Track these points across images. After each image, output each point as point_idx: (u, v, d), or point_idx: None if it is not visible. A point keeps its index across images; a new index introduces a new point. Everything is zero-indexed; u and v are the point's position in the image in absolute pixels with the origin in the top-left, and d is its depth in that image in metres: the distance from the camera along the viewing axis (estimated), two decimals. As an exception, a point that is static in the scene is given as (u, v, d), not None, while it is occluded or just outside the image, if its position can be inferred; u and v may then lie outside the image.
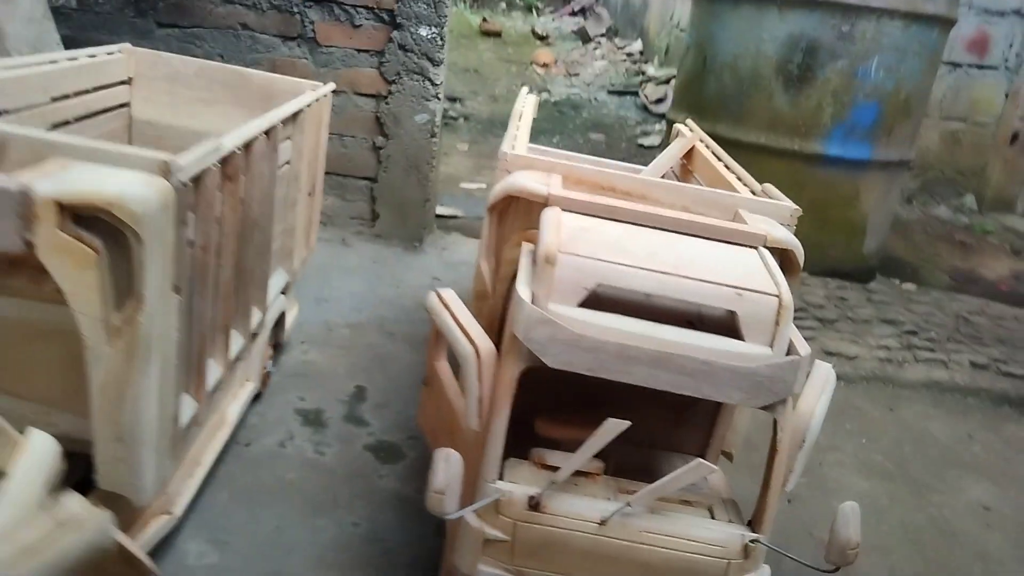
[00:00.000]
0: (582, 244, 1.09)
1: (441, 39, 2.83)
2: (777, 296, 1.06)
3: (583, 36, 8.49)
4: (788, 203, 1.38)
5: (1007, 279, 4.01)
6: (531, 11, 9.66)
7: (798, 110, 3.34)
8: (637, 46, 7.63)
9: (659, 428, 1.38)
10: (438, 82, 2.88)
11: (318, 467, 1.64)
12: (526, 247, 1.25)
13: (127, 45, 1.80)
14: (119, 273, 0.96)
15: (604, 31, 8.49)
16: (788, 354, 1.05)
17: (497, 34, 8.28)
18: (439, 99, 2.92)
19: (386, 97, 2.88)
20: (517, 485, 1.08)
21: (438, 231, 3.23)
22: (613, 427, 1.05)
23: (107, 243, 0.93)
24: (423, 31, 2.80)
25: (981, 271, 4.06)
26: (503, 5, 9.53)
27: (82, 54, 1.65)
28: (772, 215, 1.35)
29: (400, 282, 2.68)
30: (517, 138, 1.53)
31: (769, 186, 1.52)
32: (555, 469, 1.13)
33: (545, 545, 1.07)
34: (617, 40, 8.19)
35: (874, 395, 2.43)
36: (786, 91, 3.35)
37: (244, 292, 1.43)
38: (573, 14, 9.41)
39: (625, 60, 7.55)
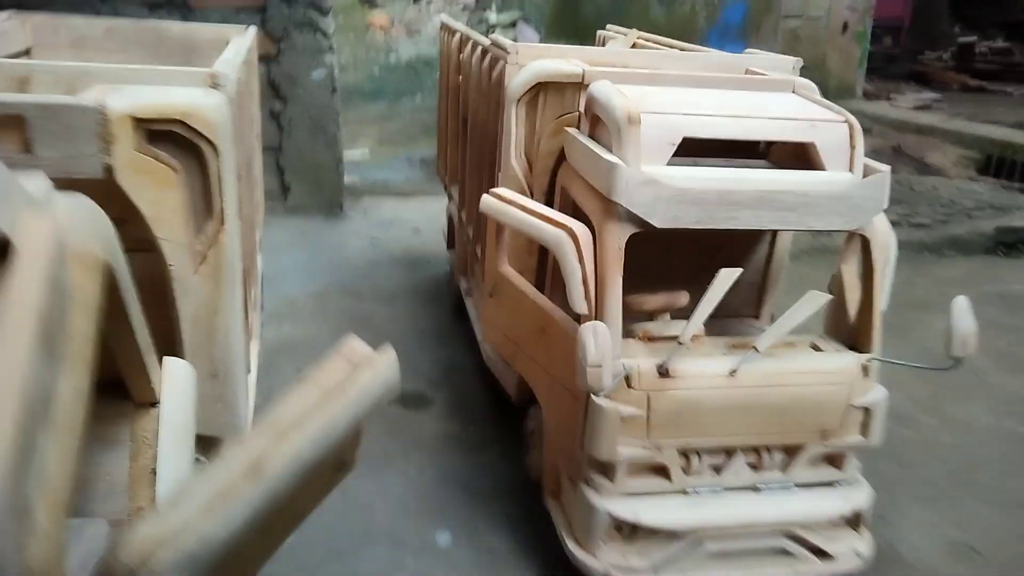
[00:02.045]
0: (654, 104, 1.06)
1: (324, -18, 2.65)
2: (845, 121, 1.08)
3: (413, -5, 8.30)
4: (788, 56, 1.41)
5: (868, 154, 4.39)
6: (349, -20, 9.31)
7: (674, 18, 3.46)
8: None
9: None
10: (329, 32, 2.70)
11: (351, 428, 1.52)
12: (570, 132, 1.20)
13: (15, 12, 1.54)
14: (196, 197, 0.85)
15: (433, -12, 8.35)
16: (867, 174, 1.08)
17: (325, 5, 7.93)
18: (332, 51, 2.74)
19: (276, 57, 2.67)
20: (642, 359, 1.04)
21: (349, 197, 3.07)
22: (727, 276, 1.04)
23: (183, 163, 0.82)
24: (304, -22, 2.61)
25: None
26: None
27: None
28: (777, 68, 1.38)
29: (340, 248, 2.53)
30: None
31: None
32: (662, 340, 1.11)
33: (680, 411, 1.04)
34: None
35: (817, 265, 2.58)
36: (660, 3, 3.44)
37: (251, 229, 1.30)
38: (396, -24, 9.16)
39: (464, 10, 7.46)
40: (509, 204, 1.13)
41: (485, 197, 1.16)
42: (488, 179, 1.46)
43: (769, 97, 1.19)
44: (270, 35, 2.63)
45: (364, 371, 0.54)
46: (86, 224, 0.54)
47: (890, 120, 5.02)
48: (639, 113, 1.01)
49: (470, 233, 1.70)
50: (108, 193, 0.81)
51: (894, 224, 2.91)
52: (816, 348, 1.14)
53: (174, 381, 0.73)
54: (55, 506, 0.44)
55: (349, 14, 8.53)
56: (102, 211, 0.56)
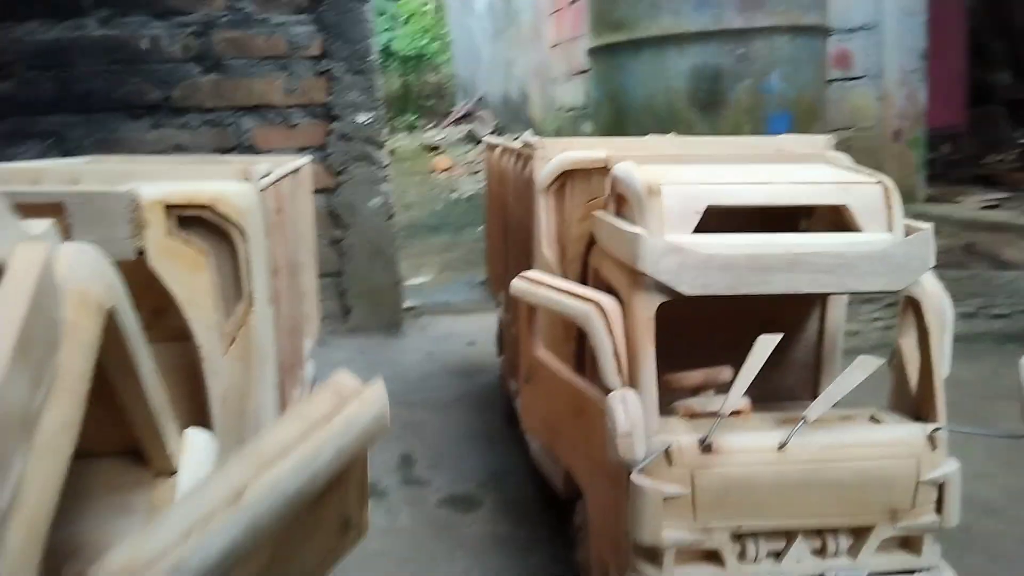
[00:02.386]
0: (676, 177, 1.07)
1: (380, 122, 2.84)
2: (879, 183, 1.06)
3: (473, 139, 8.80)
4: (820, 136, 1.42)
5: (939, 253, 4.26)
6: (413, 129, 9.97)
7: (718, 132, 3.53)
8: (530, 134, 7.95)
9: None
10: (384, 164, 2.87)
11: (398, 531, 1.48)
12: (599, 214, 1.21)
13: (96, 157, 1.70)
14: (226, 281, 0.88)
15: (492, 130, 8.85)
16: (909, 234, 1.04)
17: (390, 152, 8.49)
18: (388, 181, 2.90)
19: (336, 189, 2.84)
20: (683, 434, 0.99)
21: (408, 317, 3.14)
22: (766, 343, 1.00)
23: (212, 248, 0.86)
24: (360, 117, 2.81)
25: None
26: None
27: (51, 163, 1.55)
28: (809, 146, 1.38)
29: (396, 362, 2.56)
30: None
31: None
32: (705, 416, 1.05)
33: (727, 489, 0.97)
34: (507, 135, 8.51)
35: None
36: (704, 118, 3.54)
37: (297, 334, 1.32)
38: (457, 122, 9.79)
39: (521, 149, 7.82)
40: (539, 285, 1.13)
41: (515, 281, 1.16)
42: (527, 274, 1.47)
43: (799, 167, 1.18)
44: (330, 169, 2.81)
45: (351, 403, 0.52)
46: (87, 267, 0.55)
47: (959, 220, 4.89)
48: (659, 184, 1.02)
49: (515, 334, 1.69)
50: (146, 283, 0.86)
51: (971, 316, 2.80)
52: (876, 420, 1.07)
53: (194, 451, 0.73)
54: (30, 532, 0.43)
55: (415, 159, 9.08)
56: (107, 260, 0.58)
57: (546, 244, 1.30)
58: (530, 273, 1.17)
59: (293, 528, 0.62)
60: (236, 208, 0.86)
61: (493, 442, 1.86)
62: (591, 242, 1.25)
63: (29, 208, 0.79)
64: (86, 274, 0.56)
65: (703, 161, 1.21)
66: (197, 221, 0.86)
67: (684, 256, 0.98)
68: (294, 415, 0.51)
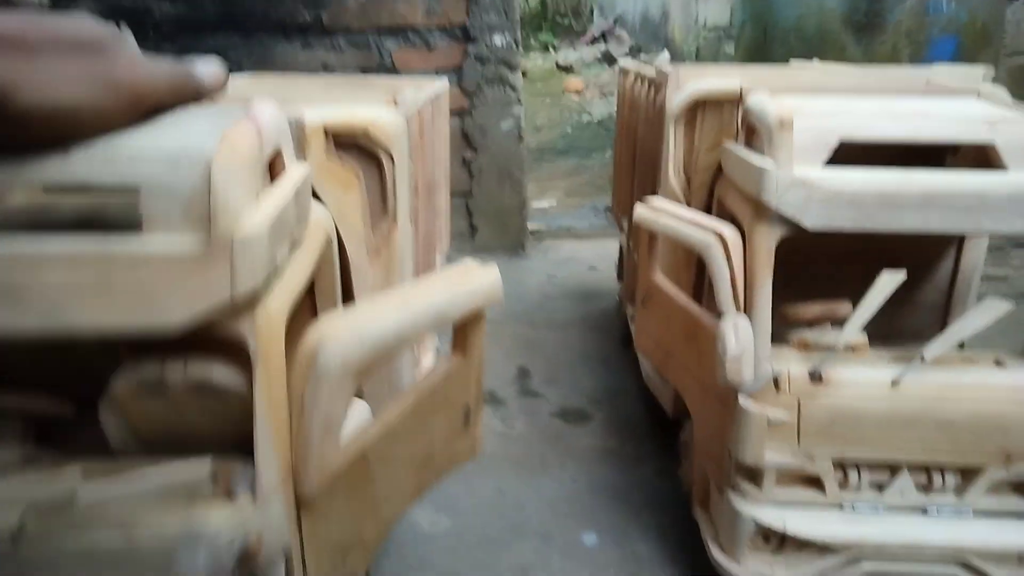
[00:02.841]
0: (809, 110, 1.06)
1: (516, 44, 2.87)
2: (1032, 119, 1.01)
3: (608, 59, 8.60)
4: (977, 67, 1.34)
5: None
6: (548, 49, 9.83)
7: (873, 57, 3.30)
8: (664, 56, 7.67)
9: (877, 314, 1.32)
10: (518, 87, 2.91)
11: (512, 437, 1.60)
12: (727, 144, 1.22)
13: (264, 74, 1.84)
14: (374, 199, 0.99)
15: (627, 51, 8.61)
16: (1058, 176, 0.99)
17: (522, 73, 8.44)
18: (520, 103, 2.94)
19: (469, 111, 2.91)
20: (794, 364, 1.02)
21: (531, 239, 3.22)
22: (889, 281, 1.00)
23: (363, 169, 0.96)
24: (497, 39, 2.85)
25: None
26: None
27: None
28: (963, 78, 1.31)
29: (518, 282, 2.66)
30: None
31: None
32: (819, 348, 1.07)
33: (834, 419, 1.00)
34: (643, 56, 8.26)
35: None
36: (858, 42, 3.32)
37: (430, 248, 1.44)
38: (592, 42, 9.56)
39: (657, 71, 7.57)
40: (661, 213, 1.17)
41: (638, 207, 1.20)
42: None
43: (945, 102, 1.13)
44: (464, 90, 2.89)
45: (474, 273, 0.76)
46: (320, 207, 0.75)
47: None
48: (791, 117, 1.02)
49: (635, 260, 1.74)
50: None
51: None
52: (999, 364, 1.05)
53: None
54: (285, 294, 0.62)
55: (547, 79, 8.99)
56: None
57: (673, 172, 1.33)
58: (653, 201, 1.20)
59: (431, 397, 0.76)
60: (386, 134, 0.95)
61: (607, 363, 1.94)
62: (718, 172, 1.26)
63: None
64: (319, 209, 0.78)
65: (843, 93, 1.18)
66: (350, 144, 0.95)
67: (810, 191, 0.98)
68: (438, 275, 0.73)
